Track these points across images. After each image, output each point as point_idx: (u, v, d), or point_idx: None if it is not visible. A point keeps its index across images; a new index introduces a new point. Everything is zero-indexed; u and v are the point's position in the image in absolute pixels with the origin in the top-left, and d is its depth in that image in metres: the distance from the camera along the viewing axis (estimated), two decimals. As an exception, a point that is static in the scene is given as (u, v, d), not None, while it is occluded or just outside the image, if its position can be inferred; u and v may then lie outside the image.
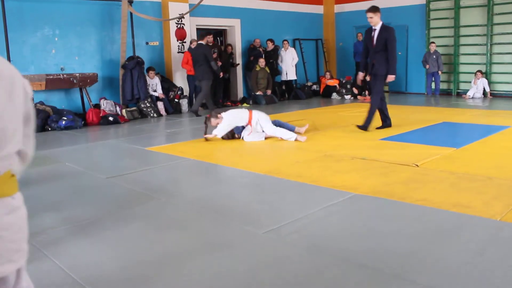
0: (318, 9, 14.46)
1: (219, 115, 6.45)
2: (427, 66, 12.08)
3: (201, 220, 3.42)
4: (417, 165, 4.71)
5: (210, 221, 3.35)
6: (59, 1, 8.99)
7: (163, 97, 10.08)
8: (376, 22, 6.71)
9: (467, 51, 12.20)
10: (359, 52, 12.00)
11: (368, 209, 3.52)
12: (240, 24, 12.28)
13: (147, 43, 10.48)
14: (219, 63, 10.72)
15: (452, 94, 12.46)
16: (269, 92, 11.79)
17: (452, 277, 2.35)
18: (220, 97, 11.42)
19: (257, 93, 11.65)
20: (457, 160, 4.94)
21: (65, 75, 8.78)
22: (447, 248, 2.69)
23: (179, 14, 10.27)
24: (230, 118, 6.43)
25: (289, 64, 12.42)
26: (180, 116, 9.84)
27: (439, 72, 12.09)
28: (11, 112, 1.18)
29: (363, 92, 12.27)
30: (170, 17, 10.25)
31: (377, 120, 7.06)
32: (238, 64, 12.27)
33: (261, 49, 12.16)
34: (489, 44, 11.70)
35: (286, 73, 12.51)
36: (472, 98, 11.50)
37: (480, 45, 11.89)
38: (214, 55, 10.74)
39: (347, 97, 12.42)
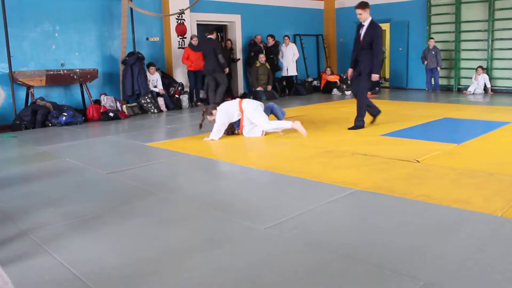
0: (318, 4, 14.42)
1: (213, 111, 6.43)
2: (425, 62, 12.06)
3: (202, 215, 3.42)
4: (418, 161, 4.70)
5: (211, 217, 3.35)
6: (59, -3, 8.97)
7: (164, 93, 10.07)
8: (365, 18, 6.65)
9: (468, 47, 12.17)
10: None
11: (369, 204, 3.51)
12: (241, 20, 12.25)
13: (147, 38, 10.46)
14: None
15: (453, 90, 12.44)
16: (269, 87, 11.77)
17: (453, 272, 2.35)
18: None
19: (258, 88, 11.63)
20: (458, 156, 4.93)
21: (65, 71, 8.77)
22: (448, 244, 2.69)
23: (179, 10, 10.26)
24: (223, 117, 6.36)
25: (289, 59, 12.40)
26: (180, 112, 9.84)
27: (438, 68, 12.06)
28: None
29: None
30: (170, 13, 10.23)
31: (367, 117, 7.01)
32: (239, 59, 12.25)
33: (261, 45, 12.14)
34: (490, 40, 11.67)
35: (287, 69, 12.49)
36: (473, 94, 11.48)
37: (481, 40, 11.86)
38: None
39: (348, 93, 12.39)
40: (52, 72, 8.57)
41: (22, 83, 8.26)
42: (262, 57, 11.67)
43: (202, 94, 10.84)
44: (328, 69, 13.22)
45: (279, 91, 12.37)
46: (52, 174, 4.82)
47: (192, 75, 10.54)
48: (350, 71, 7.00)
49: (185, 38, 10.84)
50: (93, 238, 3.02)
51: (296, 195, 3.84)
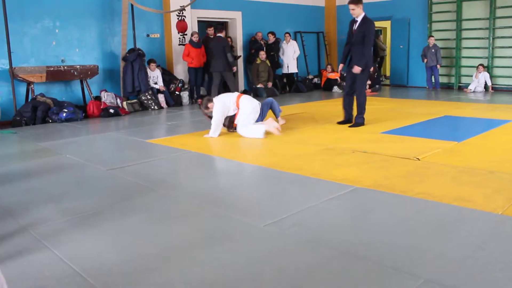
0: (319, 1, 14.38)
1: (209, 104, 6.42)
2: (425, 60, 12.05)
3: (202, 212, 3.42)
4: (418, 158, 4.70)
5: (211, 214, 3.35)
6: (60, -7, 8.96)
7: (164, 89, 10.06)
8: (358, 14, 6.67)
9: (469, 45, 12.15)
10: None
11: (369, 202, 3.51)
12: (242, 17, 12.23)
13: (148, 35, 10.44)
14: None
15: (453, 88, 12.42)
16: (270, 84, 11.76)
17: (453, 270, 2.35)
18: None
19: (258, 85, 11.62)
20: (458, 153, 4.93)
21: (65, 67, 8.76)
22: (448, 242, 2.69)
23: (180, 6, 10.24)
24: (219, 110, 6.30)
25: (290, 57, 12.38)
26: (181, 108, 9.83)
27: (438, 66, 12.05)
28: None
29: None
30: (171, 9, 10.21)
31: (339, 116, 7.03)
32: (240, 56, 12.23)
33: (262, 42, 12.12)
34: (491, 38, 11.65)
35: (287, 66, 12.48)
36: (474, 92, 11.47)
37: (482, 38, 11.84)
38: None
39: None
40: (52, 68, 8.56)
41: (23, 79, 8.25)
42: (262, 54, 11.66)
43: (202, 91, 10.83)
44: (329, 66, 13.20)
45: (280, 88, 12.35)
46: (52, 170, 4.82)
47: (193, 71, 10.53)
48: (341, 66, 7.00)
49: (186, 34, 10.82)
50: (94, 234, 3.02)
51: (296, 192, 3.84)
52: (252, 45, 12.20)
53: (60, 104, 8.42)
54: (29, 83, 8.39)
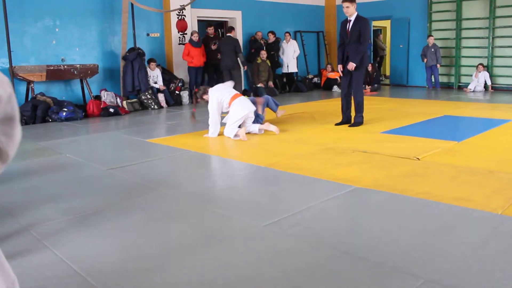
0: (319, 1, 14.38)
1: (205, 96, 6.42)
2: (425, 60, 12.05)
3: (202, 212, 3.42)
4: (418, 158, 4.70)
5: (211, 214, 3.35)
6: (60, -8, 8.95)
7: (164, 89, 10.06)
8: (352, 13, 6.63)
9: (468, 44, 12.15)
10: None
11: (369, 202, 3.51)
12: (241, 16, 12.22)
13: (148, 34, 10.44)
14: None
15: (453, 88, 12.42)
16: (271, 84, 11.76)
17: (453, 270, 2.35)
18: None
19: (259, 85, 11.62)
20: (458, 153, 4.93)
21: (65, 66, 8.76)
22: (448, 242, 2.69)
23: (180, 6, 10.23)
24: (214, 105, 6.26)
25: (290, 56, 12.38)
26: (180, 108, 9.83)
27: (438, 65, 12.05)
28: None
29: (364, 85, 12.23)
30: (171, 9, 10.21)
31: (339, 116, 7.04)
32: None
33: (262, 42, 12.12)
34: (491, 37, 11.65)
35: (287, 66, 12.48)
36: (473, 91, 11.47)
37: (482, 38, 11.84)
38: (214, 47, 10.77)
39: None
40: (52, 68, 8.56)
41: (23, 78, 8.25)
42: (263, 54, 11.67)
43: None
44: (329, 66, 13.19)
45: (280, 88, 12.35)
46: (52, 169, 4.82)
47: (193, 71, 10.53)
48: (340, 67, 6.94)
49: (186, 34, 10.82)
50: (94, 234, 3.02)
51: (297, 192, 3.84)
52: (252, 44, 12.20)
53: (60, 103, 8.42)
54: (29, 82, 8.39)
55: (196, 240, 2.87)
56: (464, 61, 12.29)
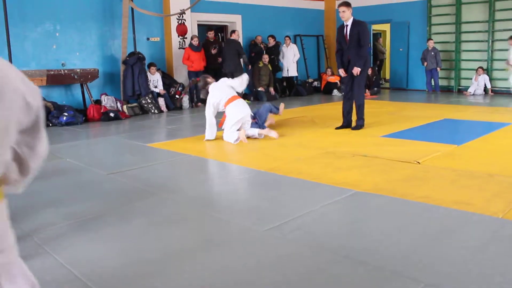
0: (319, 5, 14.41)
1: (207, 87, 6.48)
2: (425, 63, 12.06)
3: (202, 216, 3.42)
4: (418, 162, 4.70)
5: (211, 218, 3.35)
6: (60, -3, 8.97)
7: (164, 93, 10.07)
8: (348, 17, 6.64)
9: (468, 48, 12.16)
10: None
11: (370, 206, 3.52)
12: (241, 20, 12.25)
13: (148, 38, 10.46)
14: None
15: (453, 91, 12.43)
16: (272, 90, 11.76)
17: (453, 274, 2.35)
18: None
19: (259, 89, 11.63)
20: (458, 157, 4.94)
21: (66, 71, 8.77)
22: (448, 246, 2.69)
23: (180, 10, 10.25)
24: (212, 101, 6.30)
25: (290, 60, 12.40)
26: (181, 112, 9.84)
27: (438, 69, 12.06)
28: None
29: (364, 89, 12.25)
30: (171, 13, 10.23)
31: (339, 120, 7.04)
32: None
33: (262, 46, 12.14)
34: (490, 41, 11.66)
35: (287, 70, 12.49)
36: (473, 95, 11.48)
37: (482, 41, 11.86)
38: (215, 51, 10.79)
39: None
40: (52, 72, 8.57)
41: (23, 83, 8.25)
42: (265, 58, 11.69)
43: (202, 95, 10.83)
44: (329, 70, 13.21)
45: (280, 92, 12.36)
46: (52, 174, 4.82)
47: (193, 75, 10.53)
48: (341, 70, 6.92)
49: (186, 38, 10.84)
50: (94, 238, 3.02)
51: (297, 196, 3.84)
52: (252, 48, 12.21)
53: (60, 108, 8.43)
54: (29, 87, 8.39)
55: (196, 245, 2.87)
56: (464, 65, 12.31)
